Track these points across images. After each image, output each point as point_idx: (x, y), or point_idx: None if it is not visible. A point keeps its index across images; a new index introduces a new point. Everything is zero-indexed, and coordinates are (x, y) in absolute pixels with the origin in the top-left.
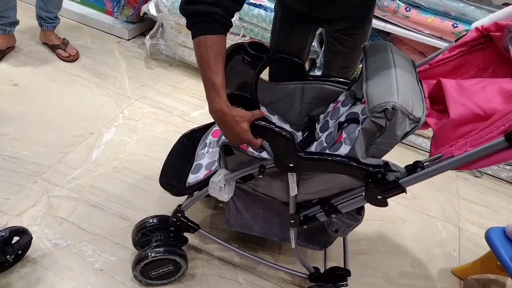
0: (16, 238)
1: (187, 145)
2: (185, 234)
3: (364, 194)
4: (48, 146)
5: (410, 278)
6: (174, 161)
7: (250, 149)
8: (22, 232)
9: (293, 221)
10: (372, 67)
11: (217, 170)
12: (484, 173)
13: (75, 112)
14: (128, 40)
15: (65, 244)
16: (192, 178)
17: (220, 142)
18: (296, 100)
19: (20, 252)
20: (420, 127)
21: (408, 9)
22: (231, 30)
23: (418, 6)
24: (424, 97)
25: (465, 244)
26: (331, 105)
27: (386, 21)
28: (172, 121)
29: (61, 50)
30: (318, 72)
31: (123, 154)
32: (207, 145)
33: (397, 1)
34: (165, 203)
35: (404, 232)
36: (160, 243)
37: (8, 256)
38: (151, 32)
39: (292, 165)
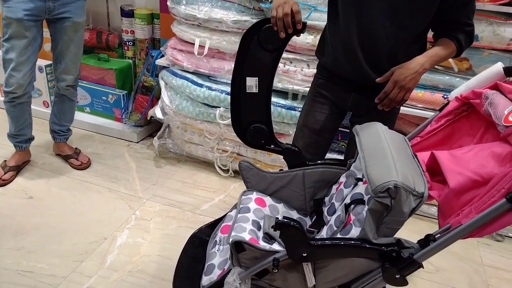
0: None
1: (198, 245)
2: None
3: (382, 275)
4: (63, 256)
5: None
6: (186, 263)
7: (261, 242)
8: None
9: None
10: (366, 148)
11: (231, 269)
12: (505, 236)
13: (88, 219)
14: (137, 142)
15: None
16: (205, 281)
17: (230, 239)
18: (299, 186)
19: None
20: (425, 201)
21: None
22: None
23: None
24: (423, 171)
25: None
26: (334, 187)
27: None
28: (184, 216)
29: (74, 159)
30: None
31: (137, 257)
32: (217, 242)
33: None
34: None
35: None
36: None
37: None
38: (158, 133)
39: (305, 254)
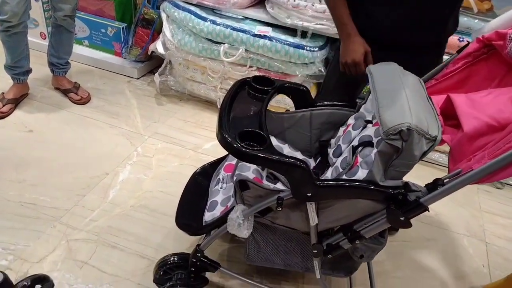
0: (38, 286)
1: (200, 182)
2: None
3: (386, 217)
4: (66, 189)
5: None
6: (189, 200)
7: (265, 181)
8: (43, 279)
9: (316, 251)
10: (380, 88)
11: (234, 206)
12: (505, 184)
13: (90, 154)
14: (138, 78)
15: None
16: (208, 216)
17: (235, 178)
18: (305, 127)
19: None
20: (437, 144)
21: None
22: (237, 62)
23: None
24: (437, 114)
25: (494, 259)
26: (341, 129)
27: None
28: (186, 155)
29: (73, 93)
30: None
31: (139, 192)
32: (221, 180)
33: None
34: (184, 240)
35: (429, 251)
36: (179, 283)
37: None
38: (160, 70)
39: (310, 194)
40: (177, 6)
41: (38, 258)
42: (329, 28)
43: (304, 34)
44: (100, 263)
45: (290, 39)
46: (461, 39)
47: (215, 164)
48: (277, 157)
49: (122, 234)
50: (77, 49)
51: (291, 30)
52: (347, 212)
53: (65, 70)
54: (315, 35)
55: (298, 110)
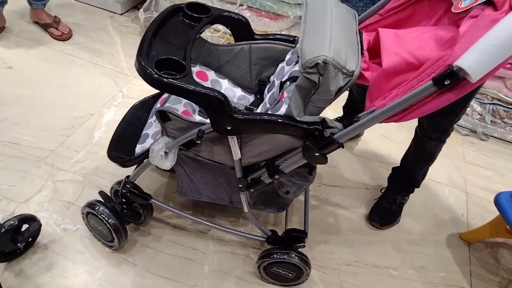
0: (25, 226)
1: (139, 115)
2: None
3: (301, 152)
4: (49, 129)
5: (419, 245)
6: (124, 132)
7: (196, 116)
8: (30, 219)
9: (241, 185)
10: (309, 21)
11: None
12: (490, 136)
13: (73, 93)
14: (121, 14)
15: (74, 229)
16: (138, 148)
17: (155, 109)
18: (244, 62)
19: (30, 239)
20: (355, 80)
21: None
22: None
23: None
24: (362, 49)
25: (473, 209)
26: (280, 65)
27: None
28: None
29: (53, 28)
30: None
31: None
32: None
33: None
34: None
35: (411, 199)
36: (109, 214)
37: (19, 244)
38: (144, 5)
39: (229, 128)
40: None
41: (24, 198)
42: None
43: None
44: None
45: None
46: None
47: (156, 98)
48: (192, 87)
49: (108, 176)
50: None
51: None
52: (268, 147)
53: (44, 3)
54: None
55: (237, 43)
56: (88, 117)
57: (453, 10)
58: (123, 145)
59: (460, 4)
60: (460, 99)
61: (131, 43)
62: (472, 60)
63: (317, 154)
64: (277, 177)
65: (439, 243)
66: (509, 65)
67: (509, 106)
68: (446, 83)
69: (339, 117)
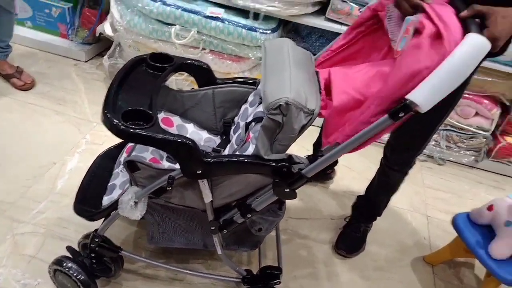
0: None
1: (105, 165)
2: None
3: (272, 189)
4: (10, 181)
5: (385, 271)
6: (90, 183)
7: (164, 162)
8: None
9: (213, 228)
10: (269, 65)
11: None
12: (446, 160)
13: (35, 143)
14: (86, 62)
15: (35, 283)
16: (105, 200)
17: (123, 159)
18: (208, 105)
19: None
20: (315, 118)
21: (361, 10)
22: (189, 44)
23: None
24: (320, 88)
25: (434, 232)
26: (243, 107)
27: (342, 23)
28: None
29: (16, 79)
30: None
31: None
32: (121, 163)
33: (350, 3)
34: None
35: (375, 226)
36: (78, 270)
37: None
38: (108, 52)
39: (199, 172)
40: None
41: None
42: (281, 10)
43: (256, 16)
44: (49, 257)
45: (243, 21)
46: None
47: (121, 147)
48: (161, 135)
49: (71, 226)
50: (19, 30)
51: (243, 12)
52: (239, 187)
53: (6, 54)
54: (268, 17)
55: (201, 89)
56: (51, 166)
57: (395, 56)
58: (90, 197)
59: (398, 48)
60: (422, 136)
61: (95, 90)
62: (422, 94)
63: (287, 190)
64: (250, 216)
65: (404, 267)
66: None
67: (461, 131)
68: (400, 115)
69: (310, 155)
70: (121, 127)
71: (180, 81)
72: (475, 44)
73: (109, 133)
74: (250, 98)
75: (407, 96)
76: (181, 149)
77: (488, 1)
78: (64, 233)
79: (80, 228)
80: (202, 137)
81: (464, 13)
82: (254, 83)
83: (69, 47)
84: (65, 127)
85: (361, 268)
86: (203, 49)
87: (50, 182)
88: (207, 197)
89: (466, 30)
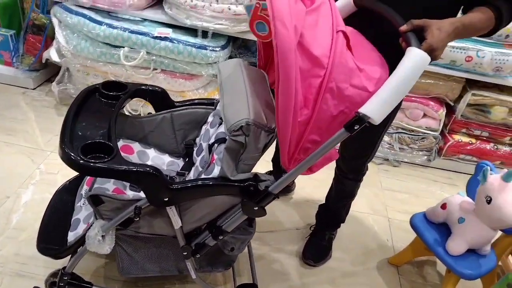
0: None
1: (64, 200)
2: None
3: (241, 209)
4: None
5: (352, 276)
6: (51, 220)
7: (128, 191)
8: None
9: (186, 253)
10: (225, 86)
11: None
12: (401, 161)
13: None
14: (34, 89)
15: None
16: (71, 236)
17: (85, 193)
18: (167, 129)
19: None
20: (277, 136)
21: None
22: (140, 65)
23: None
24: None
25: (396, 233)
26: (204, 127)
27: None
28: None
29: None
30: None
31: None
32: (83, 196)
33: None
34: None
35: (339, 233)
36: None
37: None
38: (57, 78)
39: (167, 199)
40: (69, 10)
41: None
42: (229, 27)
43: (205, 34)
44: None
45: (192, 39)
46: None
47: (80, 179)
48: (124, 167)
49: (31, 261)
50: None
51: (192, 31)
52: (208, 210)
53: None
54: (216, 35)
55: (158, 113)
56: (4, 201)
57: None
58: (53, 235)
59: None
60: (370, 143)
61: (46, 117)
62: (373, 108)
63: (256, 208)
64: (222, 237)
65: (370, 271)
66: (406, 97)
67: (412, 133)
68: (356, 128)
69: (269, 170)
70: (81, 162)
71: (133, 102)
72: (416, 58)
73: None
74: (210, 119)
75: (359, 110)
76: (146, 178)
77: (424, 15)
78: (23, 269)
79: (39, 261)
80: (164, 161)
81: (404, 27)
82: (212, 103)
83: (15, 75)
84: (17, 158)
85: (329, 276)
86: (155, 69)
87: (4, 217)
88: (177, 223)
89: (407, 44)
